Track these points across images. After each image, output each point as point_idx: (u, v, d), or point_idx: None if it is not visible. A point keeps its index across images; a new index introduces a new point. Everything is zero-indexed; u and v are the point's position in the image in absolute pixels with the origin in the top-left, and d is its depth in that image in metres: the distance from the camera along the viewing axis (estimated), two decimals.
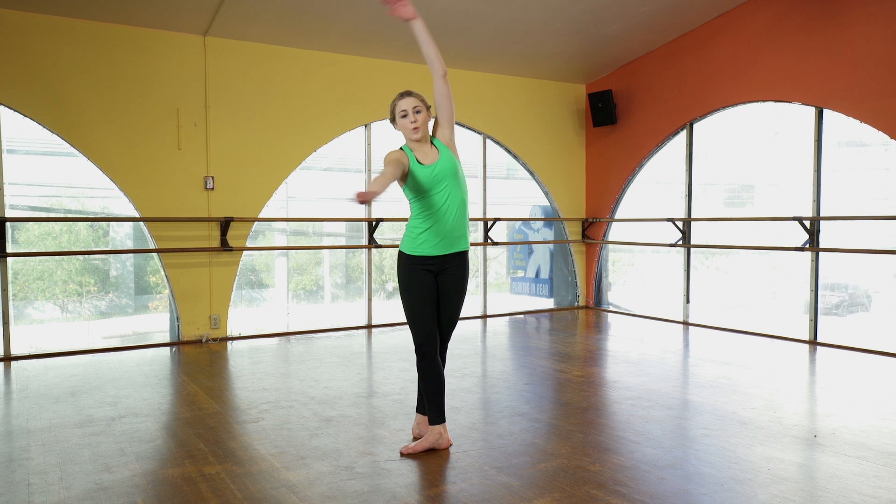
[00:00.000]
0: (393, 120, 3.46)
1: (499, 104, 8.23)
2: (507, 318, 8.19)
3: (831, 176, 6.39)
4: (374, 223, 7.37)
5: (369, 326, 7.46)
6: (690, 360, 5.81)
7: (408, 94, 3.41)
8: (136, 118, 6.25)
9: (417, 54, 7.40)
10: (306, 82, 7.02)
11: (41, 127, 5.93)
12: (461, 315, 3.60)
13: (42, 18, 5.86)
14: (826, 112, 6.33)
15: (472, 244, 8.12)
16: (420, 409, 3.63)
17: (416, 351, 3.44)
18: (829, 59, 6.21)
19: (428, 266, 3.42)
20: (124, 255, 6.77)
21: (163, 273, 6.53)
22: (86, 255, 6.63)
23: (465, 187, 3.46)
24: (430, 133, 3.50)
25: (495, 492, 2.96)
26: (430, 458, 3.38)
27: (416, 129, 3.36)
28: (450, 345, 5.04)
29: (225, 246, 6.58)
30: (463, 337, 6.81)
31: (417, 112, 3.37)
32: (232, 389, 4.85)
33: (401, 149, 3.44)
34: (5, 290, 5.83)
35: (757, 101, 6.89)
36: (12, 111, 5.82)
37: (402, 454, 3.41)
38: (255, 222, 6.86)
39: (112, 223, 6.77)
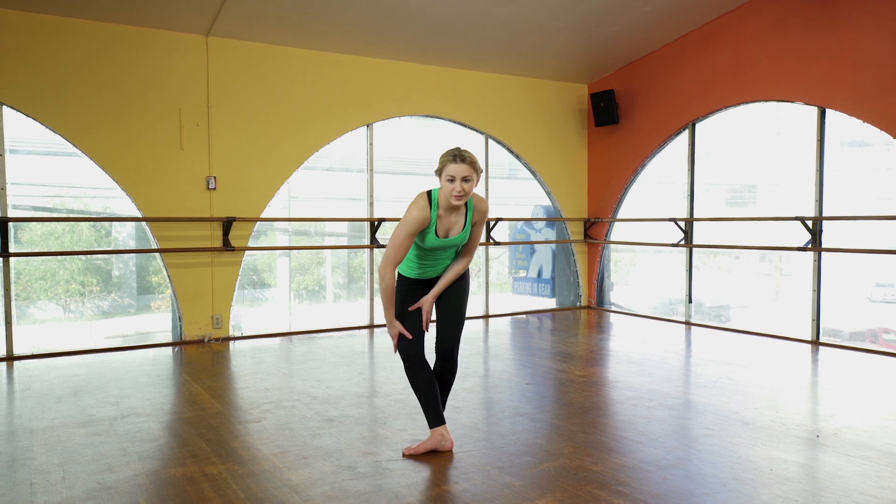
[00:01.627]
0: (439, 174, 3.26)
1: (501, 104, 8.23)
2: (509, 317, 8.19)
3: (833, 176, 6.38)
4: (376, 223, 7.37)
5: (371, 326, 7.46)
6: (692, 360, 5.81)
7: (461, 158, 3.17)
8: (139, 118, 6.26)
9: (419, 54, 7.42)
10: (308, 82, 7.03)
11: (44, 127, 5.94)
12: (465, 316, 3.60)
13: (44, 18, 5.87)
14: (828, 112, 6.32)
15: None
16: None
17: (402, 359, 3.44)
18: (831, 59, 6.20)
19: (426, 283, 3.52)
20: (126, 255, 6.78)
21: (165, 273, 6.53)
22: (88, 255, 6.64)
23: (461, 248, 3.46)
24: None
25: (497, 492, 2.95)
26: (432, 458, 3.38)
27: (458, 197, 3.20)
28: None
29: (227, 246, 6.58)
30: (465, 337, 6.80)
31: (466, 181, 3.18)
32: (234, 389, 4.85)
33: (428, 195, 3.30)
34: (8, 290, 5.84)
35: (759, 100, 6.88)
36: (15, 111, 5.83)
37: (404, 455, 3.41)
38: (258, 222, 6.86)
39: (114, 223, 6.77)
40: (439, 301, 3.49)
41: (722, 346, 6.31)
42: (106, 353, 6.14)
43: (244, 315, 7.15)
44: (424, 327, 3.40)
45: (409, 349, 3.41)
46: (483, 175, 8.05)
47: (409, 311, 3.43)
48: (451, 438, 3.47)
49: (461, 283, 3.51)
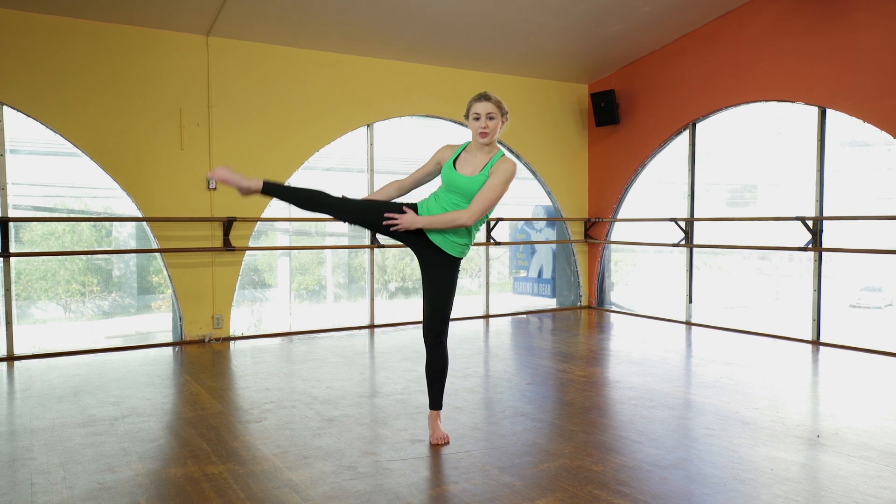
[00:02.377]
0: (466, 116, 3.43)
1: None
2: (509, 317, 8.18)
3: (834, 176, 6.38)
4: None
5: (371, 326, 7.46)
6: (693, 360, 5.81)
7: (485, 98, 3.37)
8: (139, 118, 6.26)
9: (419, 54, 7.42)
10: (309, 82, 7.03)
11: (44, 127, 5.94)
12: (453, 315, 3.62)
13: (45, 18, 5.87)
14: (829, 112, 6.32)
15: (475, 244, 8.11)
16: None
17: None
18: (831, 59, 6.20)
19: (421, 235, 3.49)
20: (127, 254, 6.78)
21: (165, 273, 6.53)
22: (89, 255, 6.64)
23: (472, 205, 3.36)
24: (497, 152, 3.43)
25: (498, 492, 2.95)
26: (433, 458, 3.39)
27: (483, 134, 3.35)
28: (452, 343, 5.06)
29: (227, 246, 6.58)
30: (466, 336, 6.81)
31: (490, 118, 3.35)
32: (234, 389, 4.85)
33: (462, 146, 3.54)
34: (8, 290, 5.85)
35: (759, 100, 6.88)
36: (16, 111, 5.84)
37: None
38: (258, 222, 6.86)
39: (115, 223, 6.77)
40: (427, 287, 3.53)
41: (722, 346, 6.31)
42: (106, 352, 6.14)
43: (253, 314, 7.15)
44: (387, 222, 3.41)
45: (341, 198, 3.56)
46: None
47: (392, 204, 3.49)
48: (439, 433, 3.61)
49: (450, 274, 3.50)
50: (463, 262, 3.71)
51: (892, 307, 6.73)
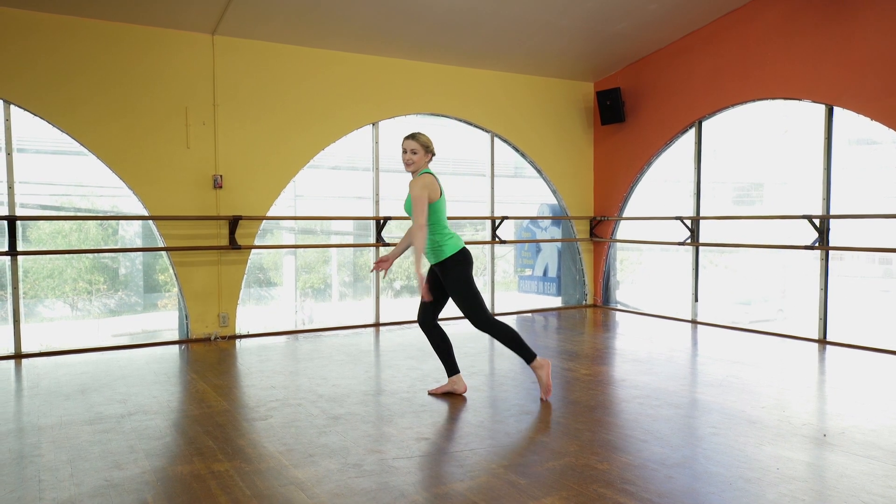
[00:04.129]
0: None
1: (506, 102, 8.22)
2: (514, 316, 8.18)
3: (841, 174, 6.35)
4: (381, 221, 7.38)
5: (377, 325, 7.47)
6: (699, 359, 5.79)
7: (412, 137, 4.24)
8: (145, 117, 6.28)
9: (425, 53, 7.42)
10: (314, 81, 7.04)
11: (51, 126, 5.97)
12: (457, 314, 4.22)
13: (51, 18, 5.89)
14: (836, 110, 6.29)
15: (480, 242, 8.16)
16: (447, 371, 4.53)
17: None
18: (839, 57, 6.17)
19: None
20: (133, 253, 6.81)
21: (171, 271, 6.56)
22: (95, 254, 6.67)
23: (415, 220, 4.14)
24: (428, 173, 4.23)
25: (503, 490, 2.96)
26: (438, 456, 3.39)
27: (405, 165, 4.26)
28: (456, 342, 5.09)
29: (233, 244, 6.60)
30: (471, 335, 6.82)
31: (414, 153, 4.23)
32: (240, 387, 4.87)
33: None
34: (16, 288, 5.88)
35: (766, 98, 6.86)
36: (22, 110, 5.86)
37: (429, 393, 4.50)
38: (264, 221, 6.88)
39: (121, 222, 6.80)
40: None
41: (728, 344, 6.30)
42: (113, 350, 6.16)
43: (250, 313, 7.17)
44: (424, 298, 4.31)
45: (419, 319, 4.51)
46: (489, 173, 8.14)
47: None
48: (464, 384, 4.48)
49: (447, 279, 4.31)
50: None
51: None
